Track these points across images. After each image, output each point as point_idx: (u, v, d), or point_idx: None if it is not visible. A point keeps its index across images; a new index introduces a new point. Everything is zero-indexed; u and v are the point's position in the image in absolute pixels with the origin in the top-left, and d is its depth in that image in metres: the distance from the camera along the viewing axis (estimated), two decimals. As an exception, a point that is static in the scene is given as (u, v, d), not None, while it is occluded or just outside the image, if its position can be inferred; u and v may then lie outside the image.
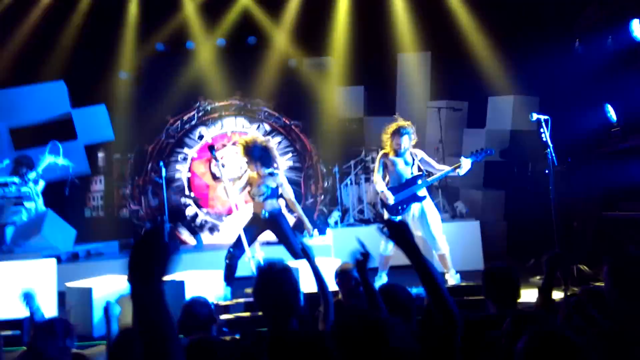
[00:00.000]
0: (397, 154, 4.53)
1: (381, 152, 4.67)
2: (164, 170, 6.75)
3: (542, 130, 4.52)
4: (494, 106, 7.36)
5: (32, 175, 6.85)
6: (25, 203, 6.82)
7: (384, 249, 4.42)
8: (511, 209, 6.62)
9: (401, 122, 4.60)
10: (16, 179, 6.82)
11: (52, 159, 6.93)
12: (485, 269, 2.43)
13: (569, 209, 5.33)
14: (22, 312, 2.42)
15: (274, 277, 1.84)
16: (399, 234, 1.63)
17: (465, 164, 4.41)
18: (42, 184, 6.90)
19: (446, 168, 4.62)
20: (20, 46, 7.18)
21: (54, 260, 4.77)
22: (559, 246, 4.25)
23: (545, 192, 4.49)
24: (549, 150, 4.40)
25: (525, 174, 5.71)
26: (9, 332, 3.48)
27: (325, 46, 7.91)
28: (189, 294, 3.70)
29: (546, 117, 4.53)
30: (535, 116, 4.60)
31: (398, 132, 4.50)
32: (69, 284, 4.18)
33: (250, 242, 4.46)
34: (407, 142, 4.50)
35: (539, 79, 6.78)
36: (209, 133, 8.06)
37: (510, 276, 2.24)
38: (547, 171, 4.45)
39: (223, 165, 4.61)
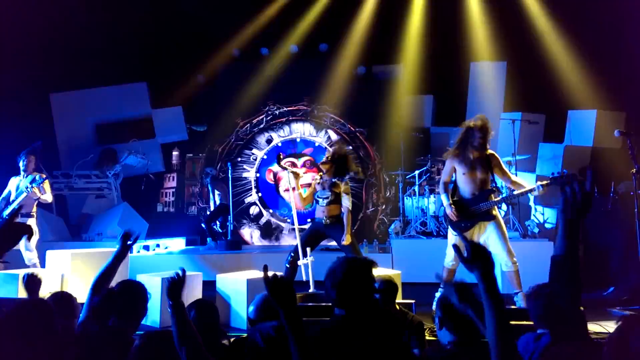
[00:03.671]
0: (468, 158, 4.11)
1: (450, 154, 4.18)
2: (230, 170, 7.03)
3: (628, 148, 4.16)
4: (574, 120, 6.90)
5: (113, 169, 7.38)
6: (105, 195, 7.36)
7: (448, 262, 4.22)
8: (589, 231, 6.13)
9: (479, 121, 4.07)
10: (99, 172, 7.39)
11: (132, 155, 7.43)
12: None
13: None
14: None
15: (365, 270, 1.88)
16: (481, 258, 1.48)
17: (543, 190, 4.04)
18: (120, 178, 7.41)
19: (521, 184, 4.23)
20: (109, 49, 7.79)
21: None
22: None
23: (630, 216, 4.12)
24: (634, 170, 4.04)
25: (607, 195, 5.27)
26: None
27: (396, 54, 7.82)
28: (252, 295, 3.80)
29: (633, 134, 4.17)
30: (620, 133, 4.24)
31: (468, 132, 4.04)
32: (140, 276, 4.41)
33: (312, 247, 4.48)
34: (479, 144, 4.01)
35: (627, 93, 6.26)
36: (277, 138, 8.25)
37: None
38: (632, 193, 4.09)
39: (293, 174, 4.58)
